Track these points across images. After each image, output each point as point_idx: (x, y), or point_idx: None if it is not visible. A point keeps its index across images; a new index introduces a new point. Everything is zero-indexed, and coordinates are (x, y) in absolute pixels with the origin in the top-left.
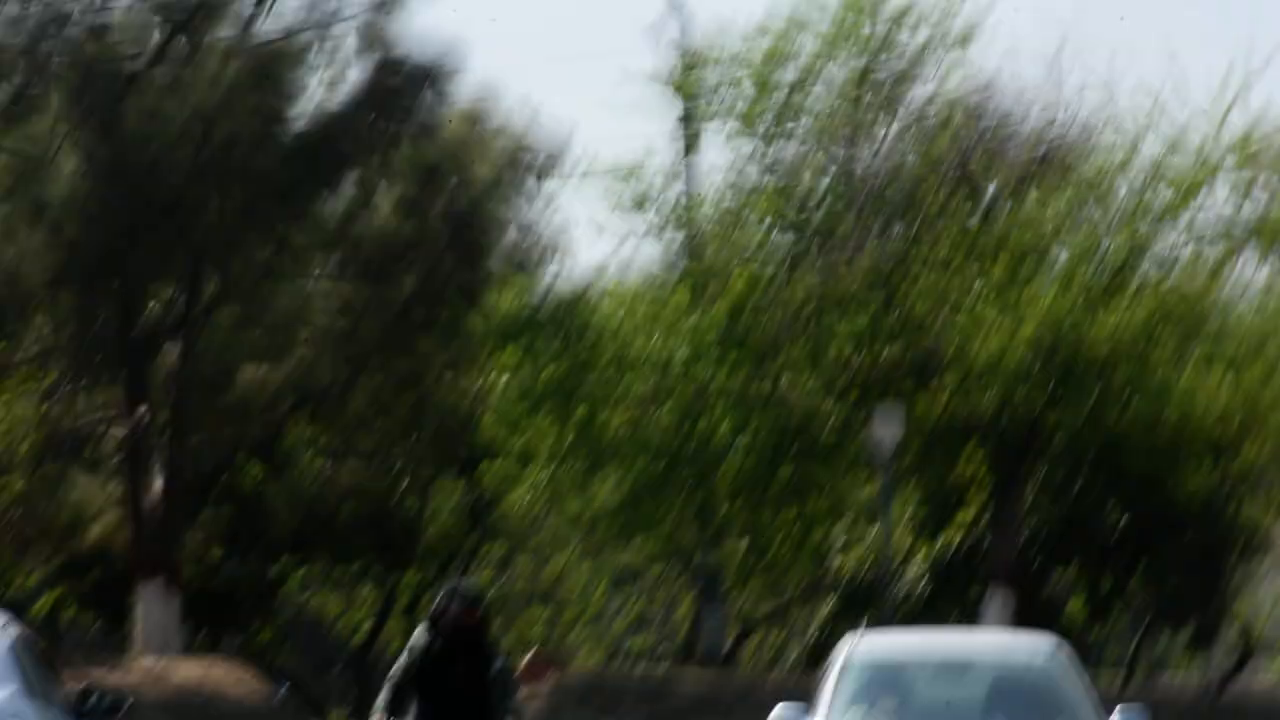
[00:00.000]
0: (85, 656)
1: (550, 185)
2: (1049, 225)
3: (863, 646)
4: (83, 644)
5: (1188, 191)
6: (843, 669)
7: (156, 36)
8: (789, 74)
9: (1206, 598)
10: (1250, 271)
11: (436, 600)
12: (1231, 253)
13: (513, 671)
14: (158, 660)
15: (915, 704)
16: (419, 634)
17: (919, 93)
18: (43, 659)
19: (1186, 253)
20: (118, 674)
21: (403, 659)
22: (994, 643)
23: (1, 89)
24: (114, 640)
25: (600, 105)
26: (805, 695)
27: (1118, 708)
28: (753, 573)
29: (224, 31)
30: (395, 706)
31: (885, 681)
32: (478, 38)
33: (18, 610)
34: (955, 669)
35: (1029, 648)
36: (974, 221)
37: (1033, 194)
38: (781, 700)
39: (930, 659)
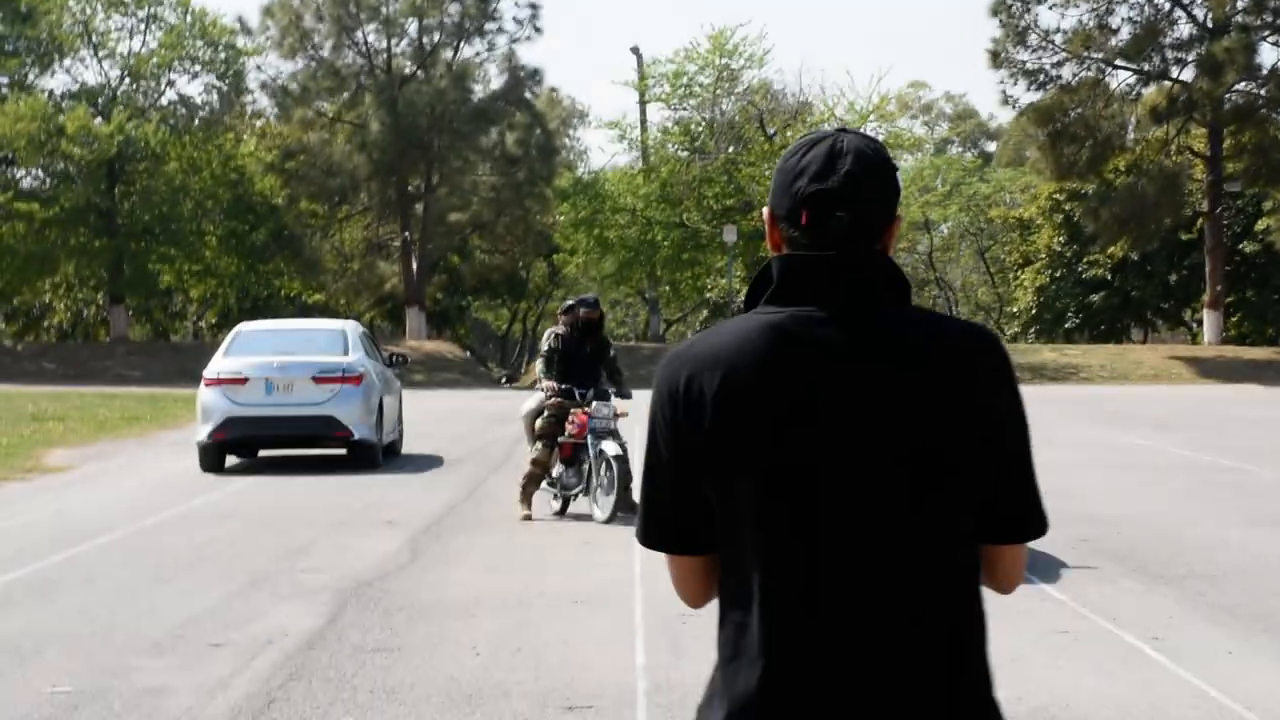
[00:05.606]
0: (387, 340)
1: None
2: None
3: None
4: (386, 335)
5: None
6: None
7: (410, 59)
8: (685, 79)
9: None
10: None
11: (569, 306)
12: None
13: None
14: (417, 341)
15: None
16: (559, 326)
17: (745, 79)
18: (371, 340)
19: None
20: (402, 347)
21: (550, 342)
22: None
23: (363, 89)
24: (398, 333)
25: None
26: None
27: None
28: (671, 299)
29: (445, 54)
30: (550, 372)
31: None
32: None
33: (358, 319)
34: None
35: None
36: (764, 141)
37: (794, 127)
38: None
39: None
